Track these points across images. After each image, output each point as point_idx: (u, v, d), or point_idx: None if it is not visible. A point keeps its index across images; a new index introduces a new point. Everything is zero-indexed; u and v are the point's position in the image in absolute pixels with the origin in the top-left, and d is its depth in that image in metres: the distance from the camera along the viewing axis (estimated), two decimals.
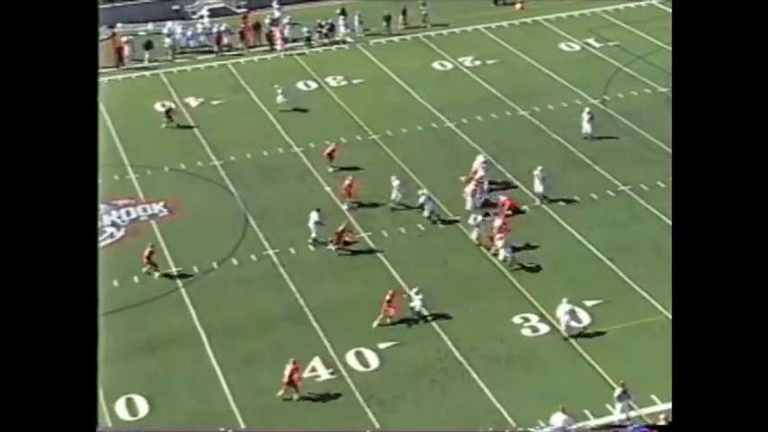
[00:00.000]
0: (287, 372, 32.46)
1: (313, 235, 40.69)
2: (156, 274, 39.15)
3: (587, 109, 48.87)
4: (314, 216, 40.78)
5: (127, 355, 35.07)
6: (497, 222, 39.48)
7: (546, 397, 31.16)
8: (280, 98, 51.67)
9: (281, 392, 32.51)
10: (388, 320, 35.60)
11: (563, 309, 34.70)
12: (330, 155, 45.88)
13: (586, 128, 47.64)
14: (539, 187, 42.86)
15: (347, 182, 43.19)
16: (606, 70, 55.36)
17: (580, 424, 30.86)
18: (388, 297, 35.66)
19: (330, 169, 45.68)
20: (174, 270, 39.60)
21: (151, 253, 39.47)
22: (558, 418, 30.41)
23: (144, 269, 39.29)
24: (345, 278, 38.72)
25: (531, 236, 40.00)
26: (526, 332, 35.29)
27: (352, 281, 38.55)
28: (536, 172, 42.96)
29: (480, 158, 44.76)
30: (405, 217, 41.94)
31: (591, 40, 59.45)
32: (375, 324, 35.43)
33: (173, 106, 50.50)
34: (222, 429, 31.17)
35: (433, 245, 40.39)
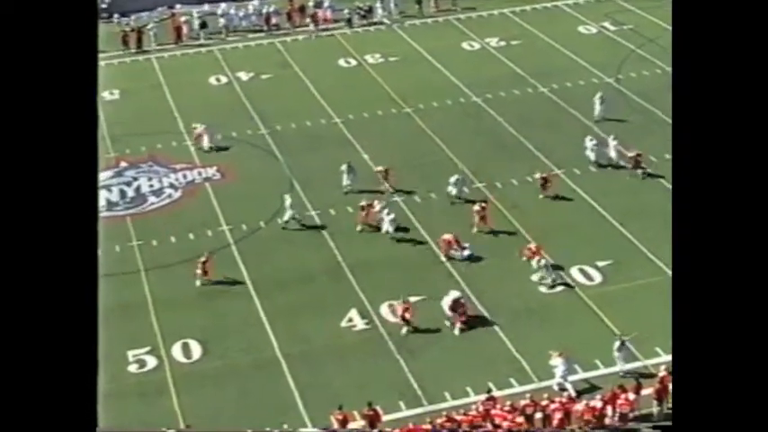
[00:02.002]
0: (399, 311, 33.01)
1: (344, 183, 41.01)
2: (198, 282, 35.94)
3: (599, 93, 47.38)
4: (344, 167, 41.26)
5: (184, 303, 35.25)
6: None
7: (560, 347, 30.84)
8: (206, 141, 45.89)
9: (403, 331, 32.89)
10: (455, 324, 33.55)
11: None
12: (385, 173, 42.07)
13: (598, 110, 46.43)
14: (591, 155, 42.61)
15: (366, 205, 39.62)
16: (620, 52, 54.53)
17: (589, 374, 30.77)
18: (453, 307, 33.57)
19: (386, 185, 41.62)
20: (225, 228, 39.61)
21: (206, 261, 36.27)
22: (556, 362, 30.30)
23: (199, 278, 36.08)
24: (379, 238, 38.53)
25: (550, 202, 39.64)
26: (543, 289, 35.09)
27: (384, 241, 38.33)
28: (587, 141, 43.04)
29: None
30: (436, 185, 41.33)
31: (607, 24, 58.62)
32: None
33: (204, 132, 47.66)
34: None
35: (460, 212, 39.77)
